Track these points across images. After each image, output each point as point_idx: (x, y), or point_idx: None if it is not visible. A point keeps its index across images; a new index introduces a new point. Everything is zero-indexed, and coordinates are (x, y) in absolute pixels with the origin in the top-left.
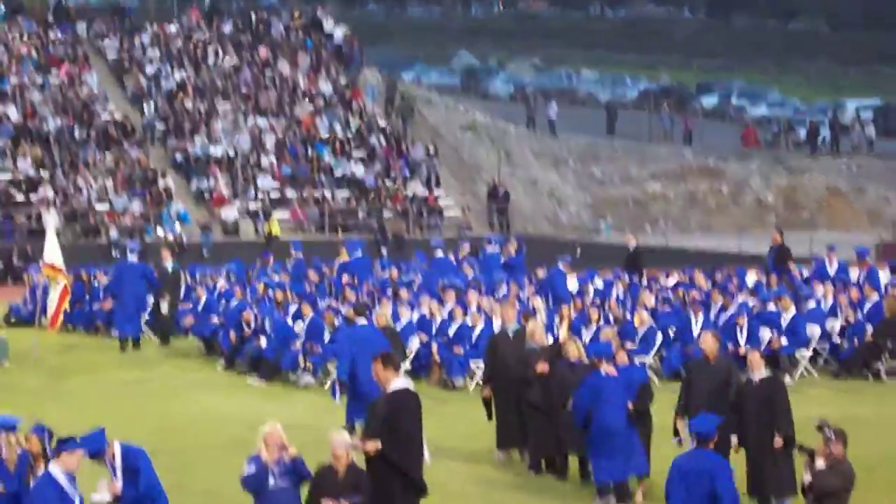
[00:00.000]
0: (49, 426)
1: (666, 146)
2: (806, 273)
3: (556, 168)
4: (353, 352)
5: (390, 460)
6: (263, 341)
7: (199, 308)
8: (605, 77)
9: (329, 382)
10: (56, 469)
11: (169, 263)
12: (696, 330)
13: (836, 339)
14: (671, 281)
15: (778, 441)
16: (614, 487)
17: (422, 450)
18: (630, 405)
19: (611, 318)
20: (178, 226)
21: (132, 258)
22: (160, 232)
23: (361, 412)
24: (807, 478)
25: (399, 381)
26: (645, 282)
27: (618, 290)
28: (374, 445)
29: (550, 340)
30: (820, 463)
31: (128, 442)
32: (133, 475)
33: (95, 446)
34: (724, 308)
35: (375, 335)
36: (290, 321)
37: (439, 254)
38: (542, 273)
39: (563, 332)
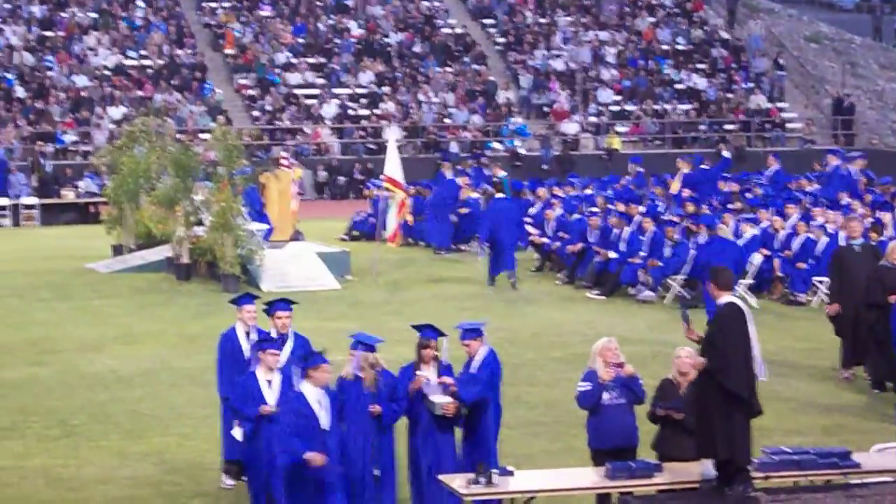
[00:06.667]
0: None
1: None
2: None
3: None
4: (494, 220)
5: (710, 373)
6: (612, 254)
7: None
8: None
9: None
10: (307, 387)
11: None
12: None
13: None
14: None
15: None
16: None
17: (747, 365)
18: None
19: None
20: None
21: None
22: (497, 145)
23: (498, 268)
24: None
25: (726, 297)
26: None
27: None
28: (700, 361)
29: None
30: None
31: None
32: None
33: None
34: None
35: (511, 207)
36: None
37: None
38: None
39: None
